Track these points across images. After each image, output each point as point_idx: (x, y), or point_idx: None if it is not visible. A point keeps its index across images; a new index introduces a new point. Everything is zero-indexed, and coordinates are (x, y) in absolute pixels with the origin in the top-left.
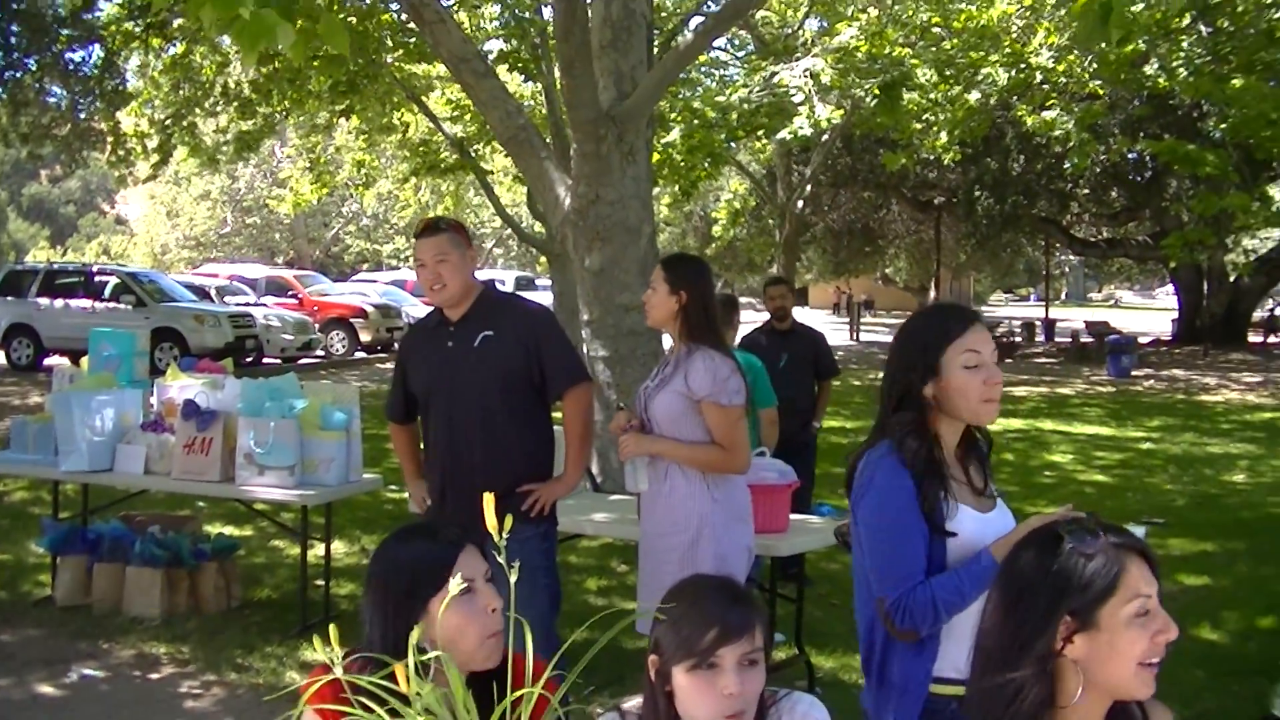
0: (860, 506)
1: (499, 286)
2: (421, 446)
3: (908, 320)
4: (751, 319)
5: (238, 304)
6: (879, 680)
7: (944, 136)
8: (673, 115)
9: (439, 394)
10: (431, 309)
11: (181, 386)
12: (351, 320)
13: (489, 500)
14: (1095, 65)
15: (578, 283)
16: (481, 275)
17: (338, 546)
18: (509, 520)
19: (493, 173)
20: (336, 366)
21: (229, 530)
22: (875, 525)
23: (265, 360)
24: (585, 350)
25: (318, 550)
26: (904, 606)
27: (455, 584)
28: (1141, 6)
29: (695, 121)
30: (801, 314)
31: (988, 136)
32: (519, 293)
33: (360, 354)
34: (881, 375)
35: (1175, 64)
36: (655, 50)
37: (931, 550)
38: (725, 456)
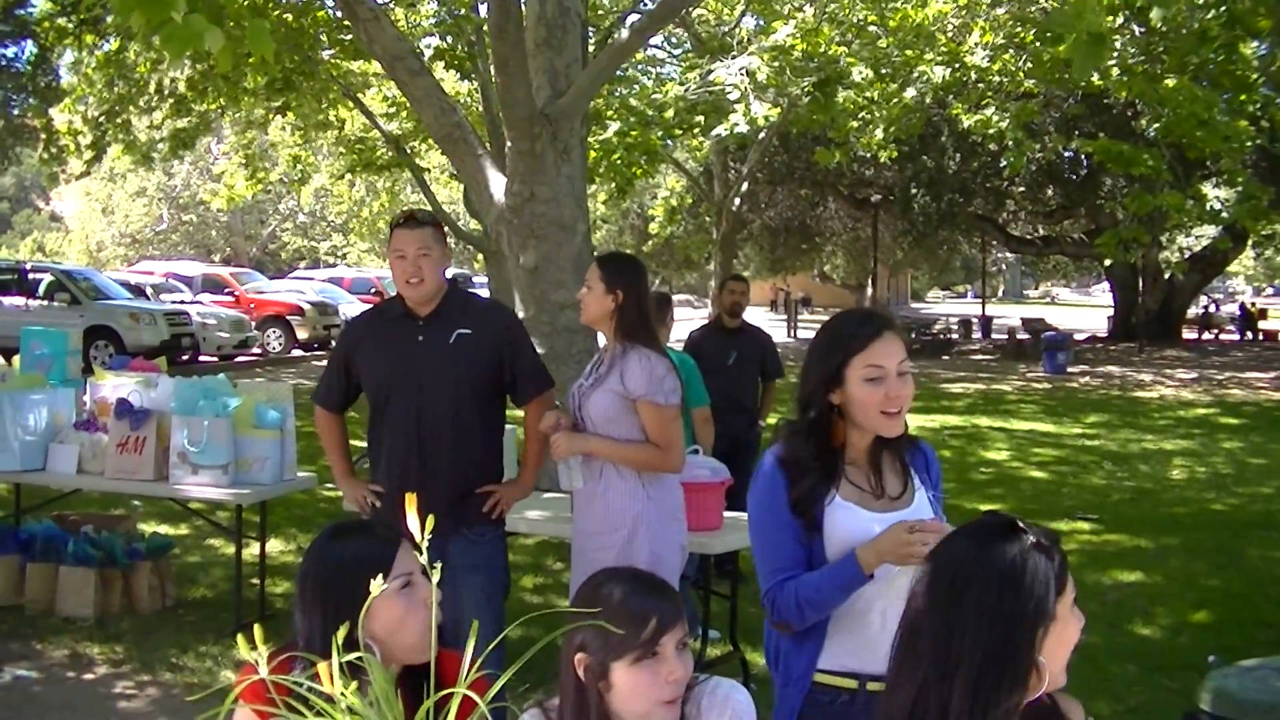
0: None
1: None
2: (366, 443)
3: (822, 327)
4: (686, 316)
5: (174, 301)
6: (775, 670)
7: (879, 134)
8: (609, 113)
9: (404, 389)
10: (385, 301)
11: (114, 385)
12: (288, 318)
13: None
14: (1030, 65)
15: (513, 280)
16: None
17: (273, 545)
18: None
19: (429, 170)
20: (273, 364)
21: (164, 529)
22: (751, 519)
23: (202, 358)
24: None
25: (253, 549)
26: (773, 599)
27: (395, 579)
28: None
29: (631, 119)
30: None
31: (924, 135)
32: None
33: (297, 351)
34: None
35: (1109, 64)
36: (591, 48)
37: (811, 547)
38: (660, 455)
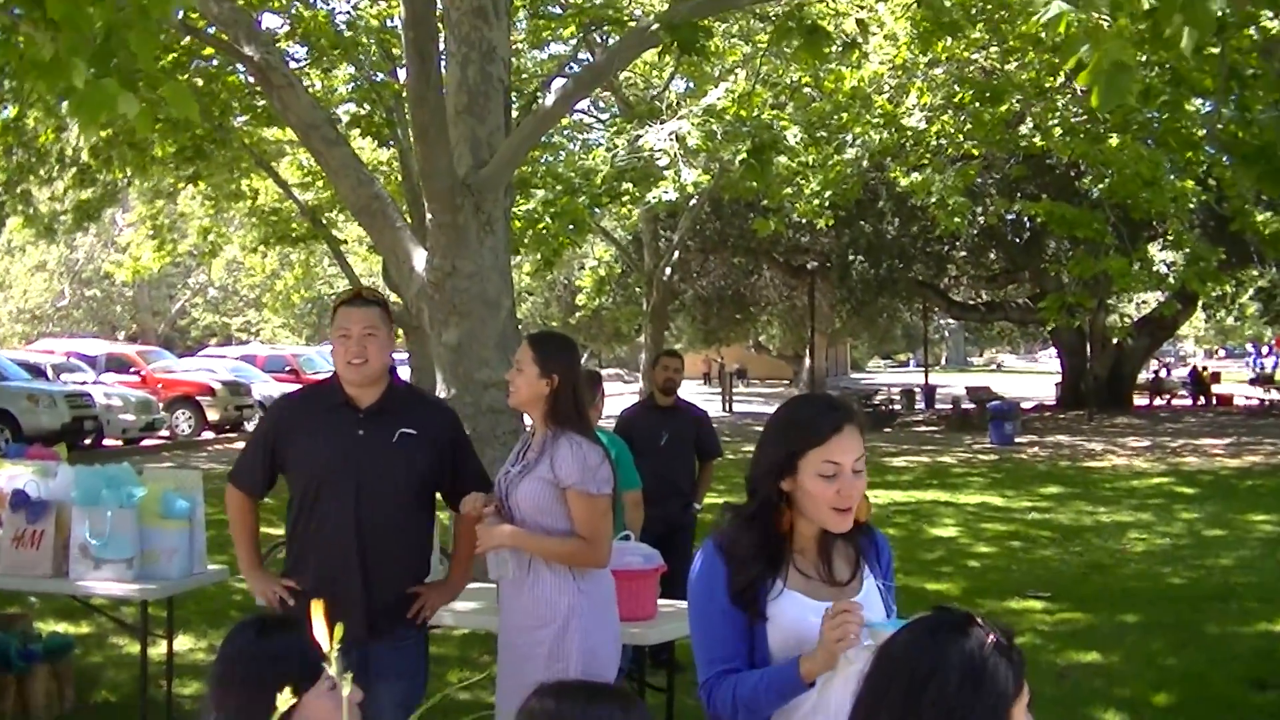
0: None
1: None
2: (286, 535)
3: (779, 409)
4: (616, 391)
5: (75, 382)
6: None
7: (816, 201)
8: (535, 181)
9: (339, 487)
10: (321, 384)
11: (10, 475)
12: (198, 398)
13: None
14: (969, 126)
15: (435, 358)
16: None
17: (181, 643)
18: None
19: (346, 242)
20: (182, 448)
21: (63, 628)
22: (691, 608)
23: (105, 443)
24: None
25: (160, 648)
26: (710, 691)
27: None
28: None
29: (558, 187)
30: None
31: (861, 199)
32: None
33: (207, 434)
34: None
35: (1051, 123)
36: (515, 114)
37: (753, 636)
38: (586, 550)
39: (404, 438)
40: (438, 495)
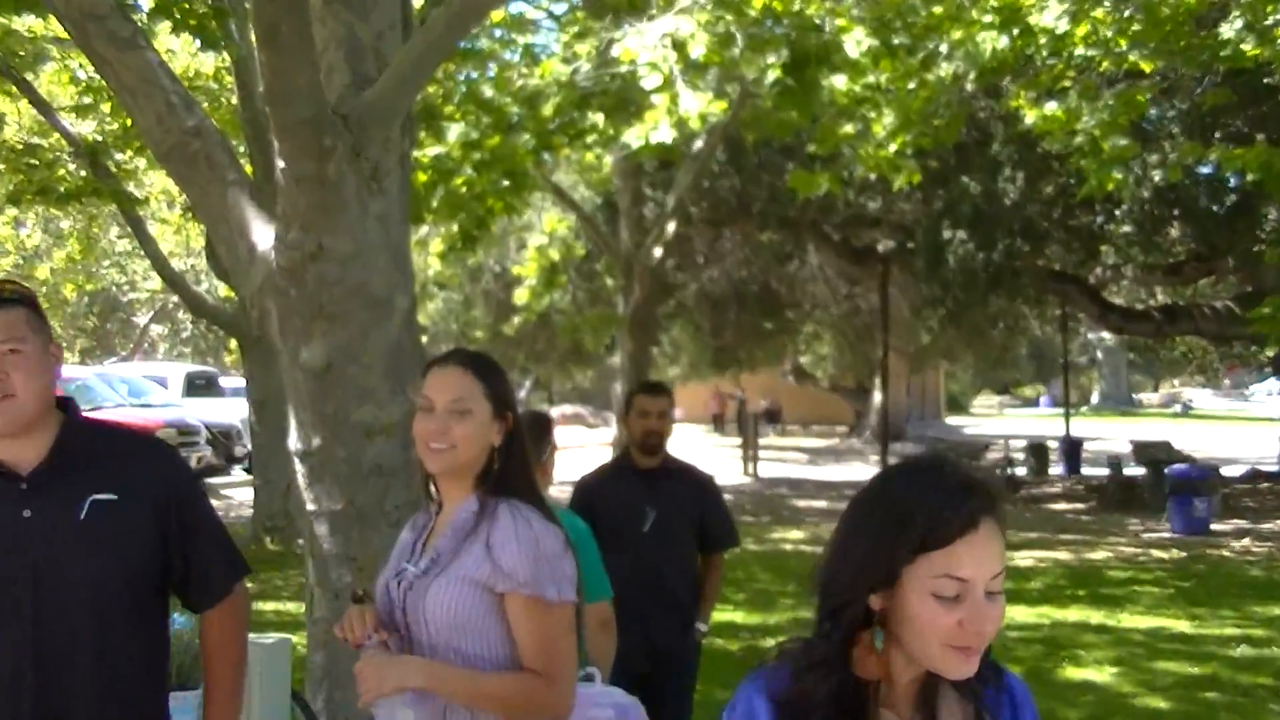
0: None
1: (161, 386)
2: None
3: (875, 485)
4: (574, 441)
5: None
6: None
7: (891, 146)
8: (449, 110)
9: (1, 600)
10: None
11: None
12: None
13: None
14: (1137, 26)
15: (288, 387)
16: (138, 367)
17: None
18: None
19: (146, 202)
20: None
21: None
22: None
23: None
24: (305, 497)
25: None
26: None
27: None
28: None
29: (485, 120)
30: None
31: (962, 143)
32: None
33: None
34: (819, 551)
35: (1273, 20)
36: (418, 3)
37: None
38: (538, 691)
39: (97, 509)
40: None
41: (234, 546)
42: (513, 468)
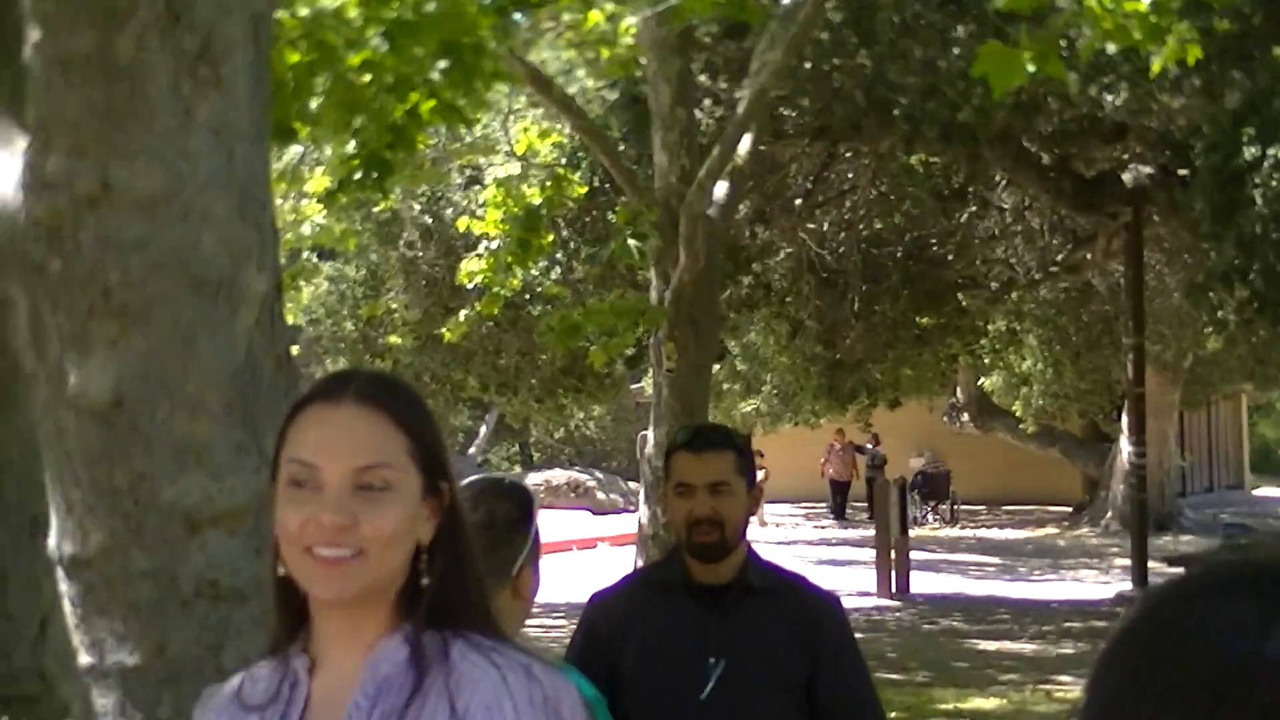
0: None
1: None
2: None
3: (1155, 615)
4: (573, 533)
5: None
6: None
7: None
8: None
9: None
10: None
11: None
12: None
13: None
14: None
15: (43, 440)
16: None
17: None
18: None
19: None
20: None
21: None
22: None
23: None
24: (75, 641)
25: None
26: None
27: None
28: None
29: None
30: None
31: None
32: None
33: None
34: None
35: None
36: None
37: None
38: None
39: None
40: None
41: None
42: (457, 578)
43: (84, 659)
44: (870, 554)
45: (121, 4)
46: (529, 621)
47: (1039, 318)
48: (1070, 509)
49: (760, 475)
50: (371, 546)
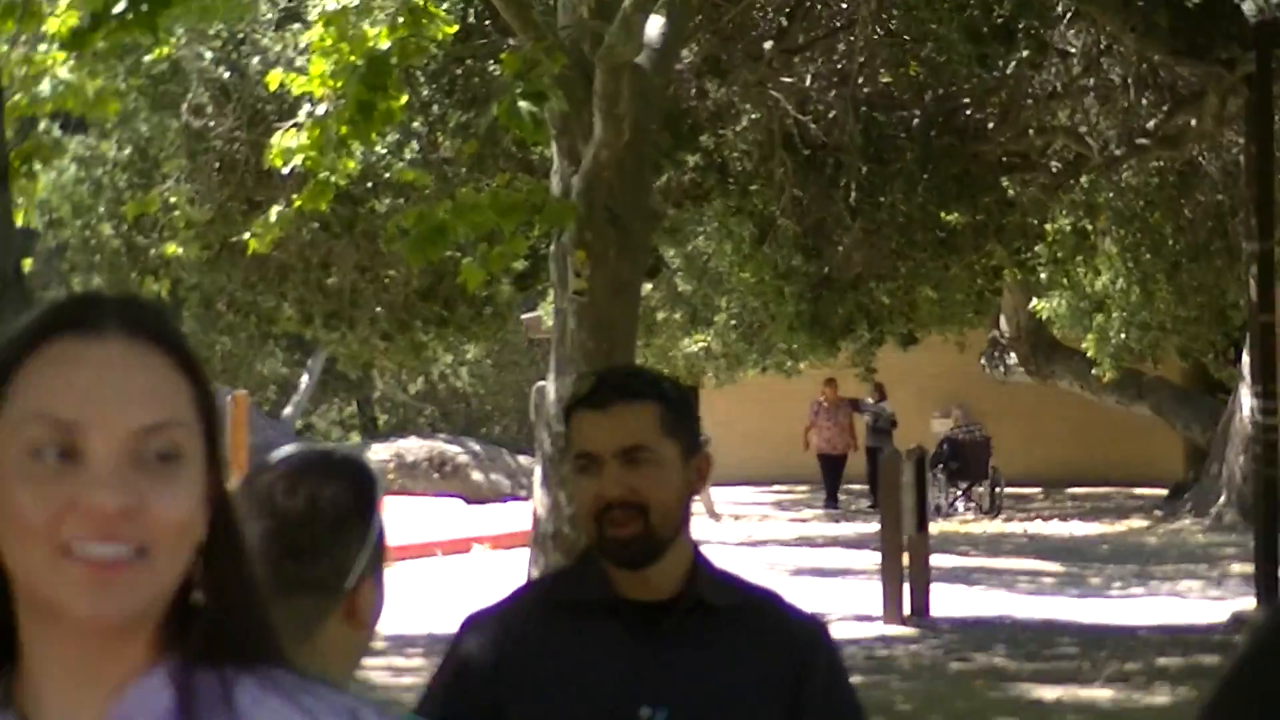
0: None
1: None
2: None
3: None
4: (438, 533)
5: None
6: None
7: None
8: None
9: None
10: None
11: None
12: None
13: None
14: None
15: None
16: None
17: None
18: None
19: None
20: None
21: None
22: None
23: None
24: None
25: None
26: None
27: None
28: None
29: None
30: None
31: None
32: None
33: None
34: None
35: None
36: None
37: None
38: None
39: None
40: None
41: None
42: (240, 592)
43: None
44: (873, 560)
45: None
46: (369, 659)
47: (1121, 213)
48: (1166, 492)
49: (704, 440)
50: (159, 541)
